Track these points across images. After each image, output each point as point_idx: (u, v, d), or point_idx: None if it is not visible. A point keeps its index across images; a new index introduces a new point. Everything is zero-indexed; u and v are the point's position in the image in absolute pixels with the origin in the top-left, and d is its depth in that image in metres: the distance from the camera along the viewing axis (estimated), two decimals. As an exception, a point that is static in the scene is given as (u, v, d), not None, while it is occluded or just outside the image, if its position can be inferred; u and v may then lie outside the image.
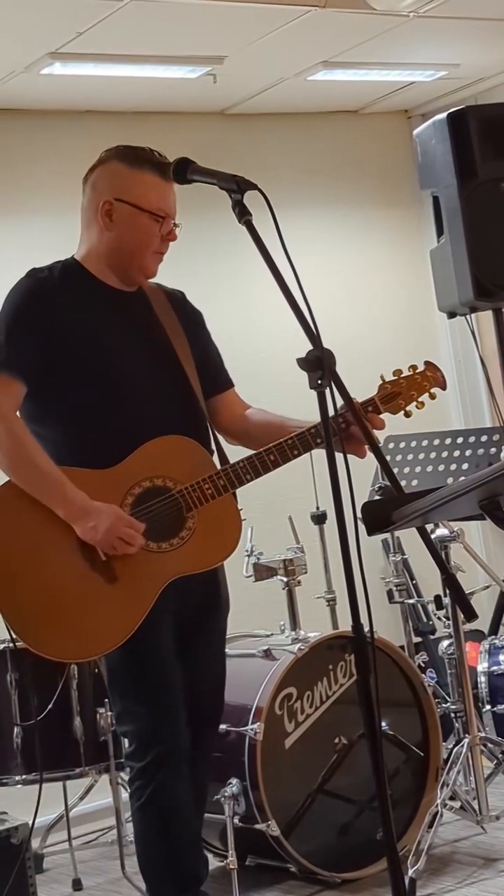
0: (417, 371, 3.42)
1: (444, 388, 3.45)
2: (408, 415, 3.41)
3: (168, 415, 3.35)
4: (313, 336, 2.53)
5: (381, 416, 3.35)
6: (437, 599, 4.68)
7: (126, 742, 3.47)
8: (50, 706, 4.13)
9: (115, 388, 3.32)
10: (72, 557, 3.22)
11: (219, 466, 3.36)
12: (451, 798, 4.07)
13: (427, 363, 3.45)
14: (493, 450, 4.31)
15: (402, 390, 3.38)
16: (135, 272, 3.41)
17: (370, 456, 2.95)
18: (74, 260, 3.44)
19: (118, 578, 3.22)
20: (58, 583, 3.22)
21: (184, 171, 2.95)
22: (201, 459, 3.35)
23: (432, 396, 3.43)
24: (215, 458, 3.42)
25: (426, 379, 3.42)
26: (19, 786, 4.21)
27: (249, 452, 3.36)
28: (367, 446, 2.98)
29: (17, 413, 3.31)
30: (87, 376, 3.31)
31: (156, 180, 3.35)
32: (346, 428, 3.14)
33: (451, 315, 4.69)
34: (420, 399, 3.41)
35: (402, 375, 3.40)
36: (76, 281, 3.39)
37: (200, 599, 3.43)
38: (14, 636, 3.29)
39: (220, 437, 3.55)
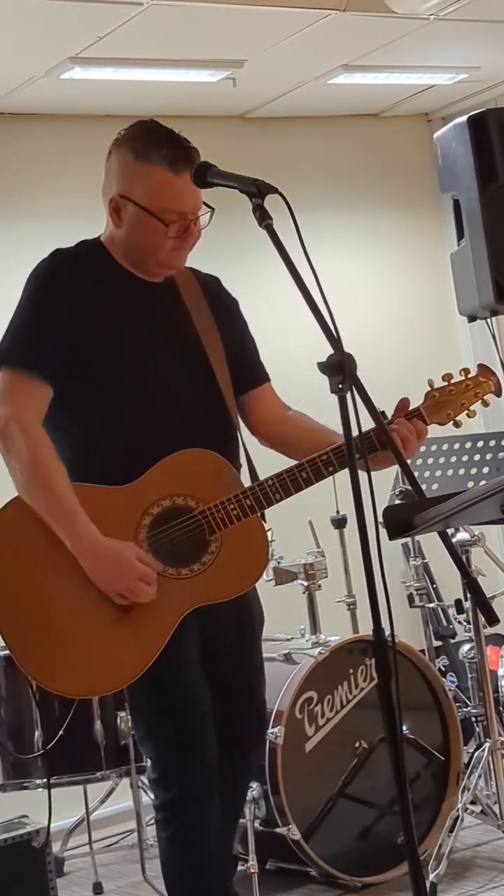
0: (469, 376, 3.12)
1: (499, 394, 3.15)
2: (457, 425, 3.14)
3: (192, 422, 3.08)
4: (334, 340, 2.49)
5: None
6: (458, 603, 4.67)
7: (149, 763, 3.25)
8: (68, 714, 4.12)
9: (135, 391, 3.07)
10: (81, 584, 2.92)
11: (246, 481, 3.07)
12: (472, 802, 4.07)
13: (481, 367, 3.17)
14: (514, 454, 4.31)
15: (452, 399, 3.09)
16: (153, 267, 3.14)
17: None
18: (100, 242, 3.19)
19: (133, 608, 2.93)
20: (66, 611, 2.94)
21: (204, 174, 2.87)
22: (227, 476, 3.05)
23: (485, 403, 3.14)
24: (244, 471, 3.16)
25: (479, 385, 3.11)
26: (40, 789, 4.22)
27: (282, 458, 3.15)
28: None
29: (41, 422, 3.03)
30: (105, 379, 3.06)
31: (165, 176, 3.05)
32: (379, 448, 2.92)
33: (472, 319, 4.67)
34: (472, 407, 3.11)
35: (453, 381, 3.11)
36: (100, 265, 3.14)
37: (233, 624, 3.17)
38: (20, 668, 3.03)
39: (255, 440, 3.31)
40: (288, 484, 3.01)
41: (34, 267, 3.15)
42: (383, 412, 2.89)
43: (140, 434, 3.06)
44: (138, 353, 3.10)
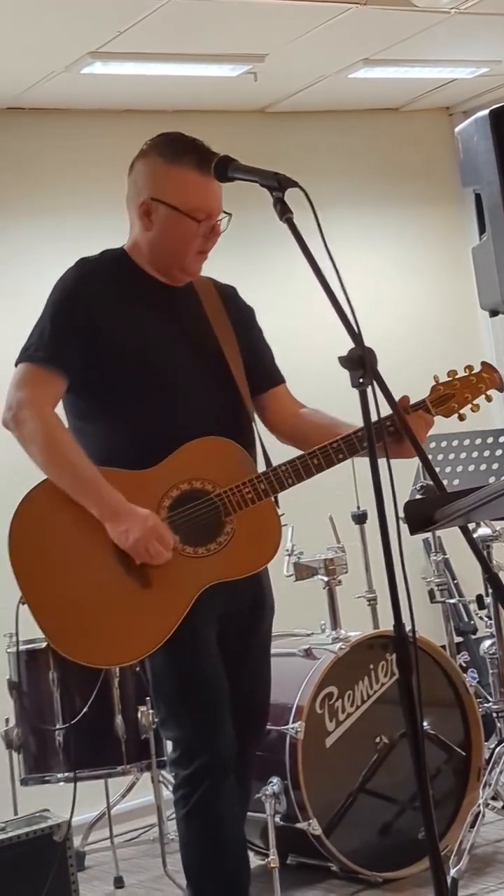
0: (473, 372, 3.28)
1: (501, 390, 3.29)
2: (461, 418, 3.28)
3: (210, 414, 3.25)
4: (355, 334, 2.50)
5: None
6: (479, 599, 4.67)
7: (170, 747, 3.38)
8: (87, 706, 4.14)
9: (156, 386, 3.23)
10: (105, 561, 3.12)
11: (260, 470, 3.25)
12: (494, 798, 4.06)
13: (484, 364, 3.31)
14: (535, 449, 4.30)
15: (456, 392, 3.25)
16: (177, 272, 3.32)
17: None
18: (123, 251, 3.36)
19: (152, 584, 3.11)
20: (90, 586, 3.12)
21: (225, 168, 2.91)
22: (242, 462, 3.22)
23: (488, 399, 3.29)
24: (260, 461, 3.31)
25: (482, 380, 3.27)
26: (62, 783, 4.23)
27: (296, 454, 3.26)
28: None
29: (55, 409, 3.22)
30: (127, 373, 3.22)
31: (195, 177, 3.21)
32: (394, 432, 3.04)
33: (494, 313, 4.65)
34: (475, 402, 3.27)
35: (457, 377, 3.26)
36: (123, 272, 3.31)
37: (247, 605, 3.33)
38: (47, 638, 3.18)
39: (272, 437, 3.45)
40: (300, 469, 3.18)
41: (61, 275, 3.30)
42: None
43: (161, 428, 3.21)
44: (159, 352, 3.26)
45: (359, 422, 2.60)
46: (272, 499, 3.20)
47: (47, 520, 3.15)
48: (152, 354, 3.25)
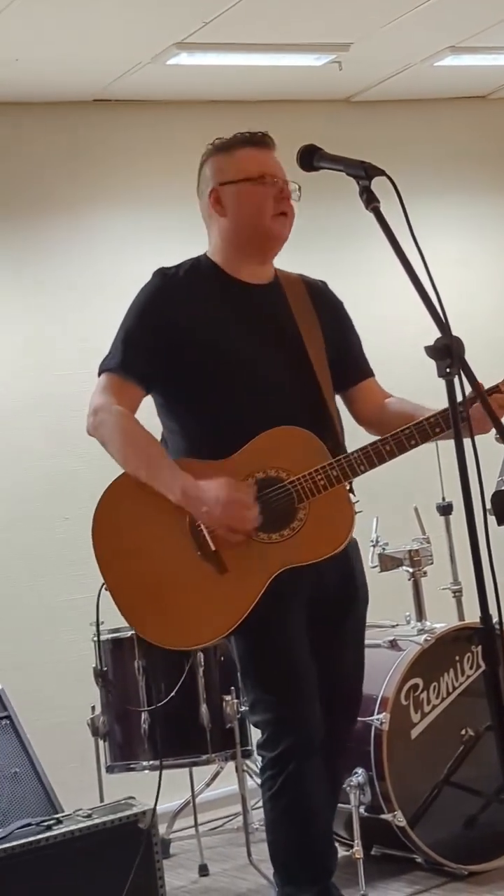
0: None
1: None
2: None
3: (291, 411, 3.30)
4: (442, 324, 2.49)
5: None
6: None
7: (259, 731, 3.43)
8: (172, 693, 4.18)
9: (238, 385, 3.31)
10: (182, 547, 3.22)
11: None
12: None
13: None
14: None
15: None
16: (264, 242, 3.38)
17: (497, 446, 2.91)
18: (205, 256, 3.45)
19: (227, 569, 3.20)
20: (167, 571, 3.23)
21: (311, 158, 2.91)
22: (316, 450, 3.27)
23: None
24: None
25: None
26: (146, 771, 4.26)
27: None
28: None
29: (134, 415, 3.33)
30: (209, 374, 3.31)
31: (250, 151, 3.36)
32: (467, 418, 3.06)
33: None
34: None
35: None
36: (204, 276, 3.39)
37: (337, 592, 3.39)
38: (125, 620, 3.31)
39: (362, 430, 3.51)
40: (372, 455, 3.23)
41: (140, 288, 3.41)
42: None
43: (242, 423, 3.28)
44: (241, 352, 3.34)
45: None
46: (345, 485, 3.25)
47: (127, 508, 3.27)
48: (234, 354, 3.32)
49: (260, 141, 3.38)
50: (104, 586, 3.33)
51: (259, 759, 3.45)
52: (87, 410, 3.34)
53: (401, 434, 3.21)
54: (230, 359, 3.32)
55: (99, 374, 3.37)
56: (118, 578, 3.27)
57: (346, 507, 3.28)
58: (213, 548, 3.20)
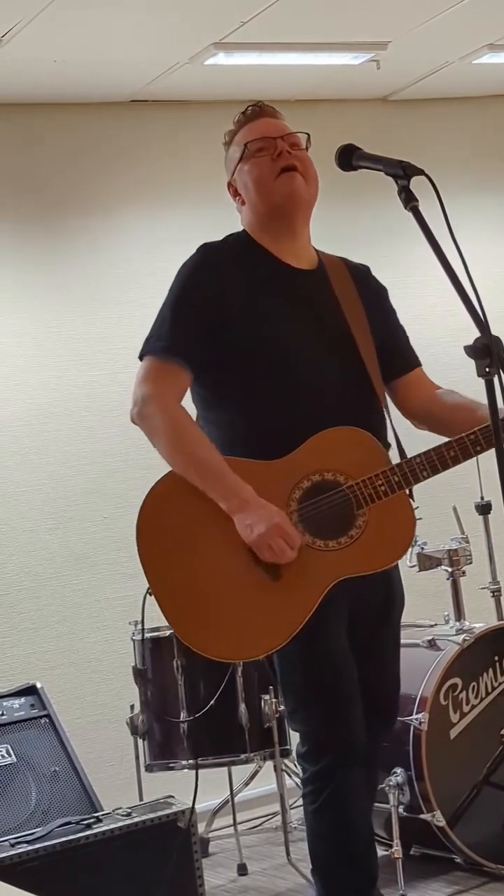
0: None
1: None
2: None
3: (339, 400, 3.16)
4: (481, 323, 2.47)
5: None
6: None
7: (299, 739, 3.33)
8: (213, 700, 4.17)
9: (284, 373, 3.16)
10: (234, 552, 3.04)
11: (394, 460, 3.16)
12: None
13: None
14: None
15: None
16: (279, 208, 3.23)
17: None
18: (244, 231, 3.33)
19: (282, 577, 3.04)
20: (218, 578, 3.06)
21: (349, 157, 2.89)
22: (375, 453, 3.14)
23: None
24: (393, 452, 3.24)
25: None
26: (185, 770, 4.27)
27: (434, 438, 3.18)
28: None
29: (182, 402, 3.19)
30: (253, 359, 3.16)
31: (244, 131, 3.30)
32: None
33: None
34: None
35: None
36: (249, 254, 3.26)
37: (378, 597, 3.27)
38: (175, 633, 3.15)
39: (408, 422, 3.39)
40: (435, 462, 3.08)
41: (184, 262, 3.26)
42: None
43: (289, 413, 3.15)
44: (286, 338, 3.19)
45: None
46: (406, 491, 3.12)
47: (174, 511, 3.10)
48: (279, 340, 3.18)
49: (251, 115, 3.31)
50: (149, 591, 3.18)
51: (300, 768, 3.35)
52: (131, 399, 3.18)
53: (465, 439, 3.07)
54: (274, 346, 3.17)
55: (141, 358, 3.22)
56: (165, 583, 3.08)
57: (407, 513, 3.14)
58: (260, 558, 3.04)
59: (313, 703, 3.18)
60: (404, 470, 3.09)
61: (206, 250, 3.26)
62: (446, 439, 3.13)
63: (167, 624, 3.19)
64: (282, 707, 3.97)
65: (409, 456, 3.15)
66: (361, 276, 3.38)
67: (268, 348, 3.17)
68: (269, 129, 3.29)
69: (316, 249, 3.37)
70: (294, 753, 3.84)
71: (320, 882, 3.31)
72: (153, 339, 3.21)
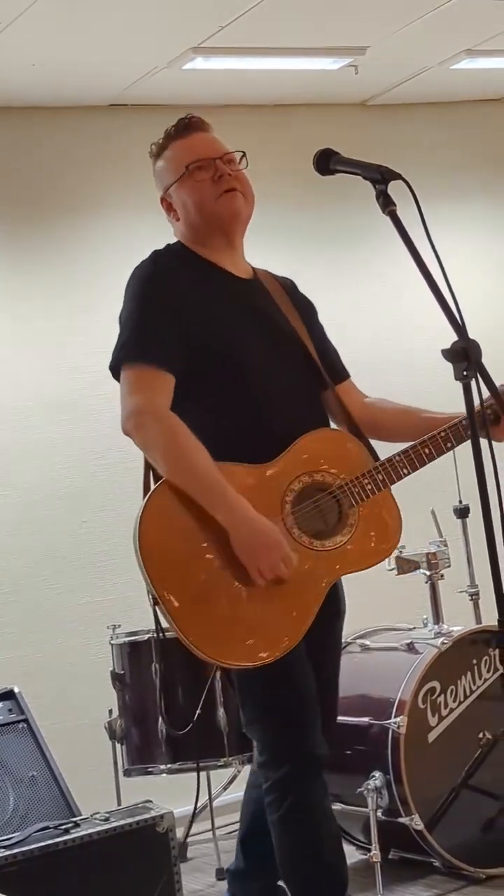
0: None
1: None
2: None
3: (299, 402, 3.23)
4: (459, 327, 2.49)
5: None
6: None
7: (256, 748, 3.32)
8: (193, 701, 4.16)
9: (242, 377, 3.17)
10: (234, 558, 3.04)
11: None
12: None
13: None
14: None
15: None
16: (219, 227, 3.25)
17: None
18: (179, 243, 3.34)
19: (285, 581, 3.06)
20: (223, 585, 3.04)
21: (327, 162, 2.90)
22: (358, 453, 3.24)
23: None
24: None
25: None
26: (164, 775, 4.26)
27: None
28: None
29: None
30: (215, 365, 3.16)
31: (176, 146, 3.29)
32: (495, 420, 3.07)
33: None
34: None
35: None
36: (193, 263, 3.27)
37: (327, 605, 3.20)
38: (184, 641, 3.04)
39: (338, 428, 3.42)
40: (413, 459, 3.21)
41: (135, 268, 3.27)
42: None
43: (253, 416, 3.18)
44: (244, 344, 3.21)
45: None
46: (390, 489, 3.23)
47: (174, 521, 3.06)
48: (237, 347, 3.19)
49: (183, 129, 3.29)
50: (155, 599, 3.07)
51: (263, 779, 3.28)
52: (122, 411, 3.13)
53: (437, 436, 3.20)
54: (232, 352, 3.17)
55: (116, 367, 3.17)
56: (176, 600, 3.02)
57: (394, 511, 3.26)
58: (252, 575, 3.04)
59: (273, 714, 3.19)
60: (387, 467, 3.20)
61: (159, 257, 3.28)
62: (388, 442, 3.29)
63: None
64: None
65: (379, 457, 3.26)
66: (290, 289, 3.45)
67: (228, 351, 3.18)
68: (205, 149, 3.29)
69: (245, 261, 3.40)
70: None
71: (292, 890, 3.29)
72: (132, 348, 3.16)
